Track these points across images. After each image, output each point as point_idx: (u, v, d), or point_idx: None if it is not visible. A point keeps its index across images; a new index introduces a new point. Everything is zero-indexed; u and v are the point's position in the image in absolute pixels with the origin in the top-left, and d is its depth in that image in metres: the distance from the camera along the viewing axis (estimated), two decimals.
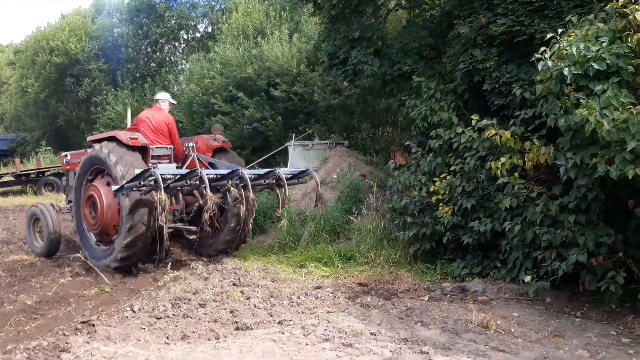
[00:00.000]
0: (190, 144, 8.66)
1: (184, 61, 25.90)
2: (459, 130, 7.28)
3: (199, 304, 6.08)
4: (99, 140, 8.24)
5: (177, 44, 26.76)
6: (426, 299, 6.47)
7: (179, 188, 7.50)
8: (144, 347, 4.72)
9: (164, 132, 8.64)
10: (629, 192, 5.49)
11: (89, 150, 8.42)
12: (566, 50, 5.59)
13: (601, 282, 5.60)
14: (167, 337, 5.11)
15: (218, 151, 8.86)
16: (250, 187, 7.32)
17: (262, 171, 8.11)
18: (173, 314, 5.84)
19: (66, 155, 9.93)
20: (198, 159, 8.64)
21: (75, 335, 5.07)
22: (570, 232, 5.82)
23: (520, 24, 7.31)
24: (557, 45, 5.78)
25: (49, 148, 24.98)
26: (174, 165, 8.70)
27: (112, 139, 8.01)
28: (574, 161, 5.46)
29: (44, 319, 5.83)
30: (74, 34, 26.09)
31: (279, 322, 5.53)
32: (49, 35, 26.70)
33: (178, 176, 7.44)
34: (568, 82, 5.47)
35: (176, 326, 5.45)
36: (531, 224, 6.34)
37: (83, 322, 5.46)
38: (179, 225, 8.35)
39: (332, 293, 6.63)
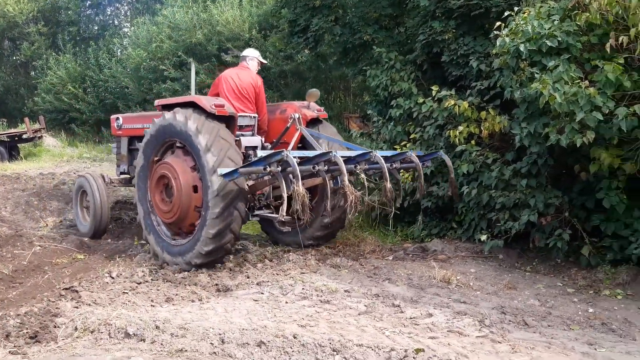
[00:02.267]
0: (297, 115, 6.99)
1: (128, 24, 25.12)
2: (420, 100, 7.68)
3: (179, 270, 6.30)
4: (171, 107, 6.76)
5: (119, 6, 25.88)
6: (391, 258, 6.95)
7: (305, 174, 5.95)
8: (134, 309, 4.93)
9: (250, 97, 7.16)
10: (575, 158, 6.06)
11: (156, 119, 6.78)
12: (521, 27, 6.03)
13: (549, 239, 6.20)
14: (152, 300, 5.32)
15: (312, 123, 7.32)
16: (387, 173, 6.05)
17: (389, 153, 6.76)
18: (152, 279, 6.05)
19: (118, 119, 8.45)
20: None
21: (61, 301, 5.21)
22: (522, 194, 6.38)
23: None
24: (513, 22, 6.20)
25: None
26: (259, 138, 7.25)
27: (190, 104, 6.52)
28: (528, 130, 5.97)
29: (23, 287, 5.92)
30: None
31: (257, 284, 5.83)
32: None
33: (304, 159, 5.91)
34: (523, 57, 5.92)
35: (158, 290, 5.67)
36: (486, 187, 6.88)
37: (66, 289, 5.59)
38: (266, 212, 7.01)
39: (302, 256, 6.97)
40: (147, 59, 18.59)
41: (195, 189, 6.39)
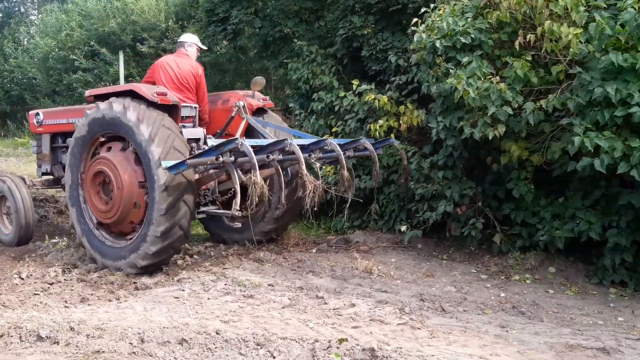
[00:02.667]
0: (241, 103, 6.65)
1: (35, 12, 23.69)
2: (341, 94, 7.77)
3: (94, 268, 6.04)
4: (105, 97, 6.26)
5: None
6: (314, 251, 6.99)
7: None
8: (46, 311, 4.69)
9: (191, 87, 6.69)
10: (487, 150, 6.35)
11: (89, 111, 6.25)
12: (437, 23, 6.23)
13: (464, 228, 6.47)
14: (66, 301, 5.09)
15: (257, 112, 7.02)
16: (344, 161, 5.93)
17: (342, 141, 6.50)
18: (65, 279, 5.78)
19: (37, 114, 7.75)
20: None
21: None
22: (440, 186, 6.61)
23: None
24: (429, 18, 6.39)
25: None
26: (201, 130, 6.78)
27: (127, 94, 6.04)
28: (444, 124, 6.18)
29: None
30: None
31: (178, 281, 5.70)
32: None
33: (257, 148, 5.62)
34: (439, 53, 6.13)
35: (72, 290, 5.42)
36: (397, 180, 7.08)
37: None
38: (212, 209, 6.57)
39: (224, 251, 6.89)
40: (56, 48, 17.69)
41: (138, 185, 5.93)
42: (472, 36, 5.97)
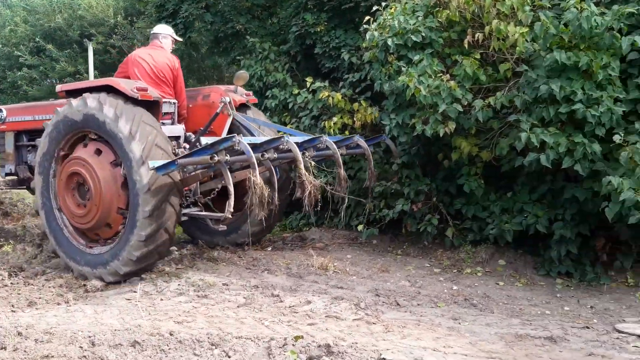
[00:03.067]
0: (227, 99, 6.30)
1: None
2: (295, 91, 7.77)
3: (41, 271, 5.85)
4: (80, 92, 5.84)
5: None
6: (270, 249, 6.97)
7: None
8: None
9: (168, 81, 6.36)
10: (438, 147, 6.46)
11: (60, 108, 5.84)
12: (389, 22, 6.29)
13: (420, 224, 6.56)
14: (12, 305, 4.93)
15: (240, 108, 6.65)
16: (340, 159, 5.85)
17: (335, 138, 6.33)
18: (12, 283, 5.62)
19: (0, 111, 7.24)
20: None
21: None
22: (397, 184, 6.69)
23: None
24: (381, 16, 6.45)
25: None
26: (181, 127, 6.51)
27: (105, 89, 5.66)
28: (396, 121, 6.25)
29: None
30: None
31: (130, 282, 5.58)
32: None
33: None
34: (391, 51, 6.19)
35: (19, 294, 5.28)
36: (362, 179, 7.12)
37: None
38: (194, 211, 6.20)
39: (177, 251, 6.78)
40: (0, 44, 17.01)
41: (119, 186, 5.60)
42: (423, 34, 6.06)
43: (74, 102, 5.69)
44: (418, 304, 5.06)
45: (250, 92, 7.02)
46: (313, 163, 5.73)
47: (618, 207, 4.60)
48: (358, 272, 6.09)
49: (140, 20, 14.69)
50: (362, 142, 6.33)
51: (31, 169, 6.87)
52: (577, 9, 4.89)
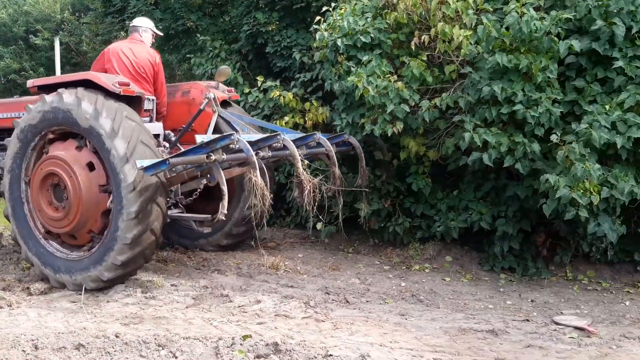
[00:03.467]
0: (211, 96, 6.06)
1: None
2: (246, 90, 7.74)
3: None
4: (53, 87, 5.50)
5: None
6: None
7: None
8: None
9: (148, 77, 6.08)
10: (389, 146, 6.57)
11: (32, 105, 5.52)
12: (338, 22, 6.35)
13: (383, 222, 6.62)
14: None
15: (222, 105, 6.37)
16: (334, 157, 5.76)
17: (326, 135, 6.09)
18: None
19: None
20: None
21: None
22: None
23: None
24: (331, 17, 6.51)
25: None
26: (160, 124, 6.20)
27: (83, 83, 5.32)
28: (347, 120, 6.32)
29: None
30: None
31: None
32: None
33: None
34: (341, 51, 6.26)
35: None
36: (317, 176, 7.15)
37: None
38: (175, 212, 5.96)
39: None
40: None
41: (100, 187, 5.26)
42: (372, 35, 6.15)
43: (49, 98, 5.31)
44: (367, 301, 5.14)
45: (232, 89, 6.80)
46: (306, 161, 5.59)
47: (555, 203, 4.79)
48: (309, 270, 6.13)
49: (87, 17, 14.37)
50: (353, 140, 6.18)
51: None
52: (518, 13, 5.07)
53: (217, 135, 4.92)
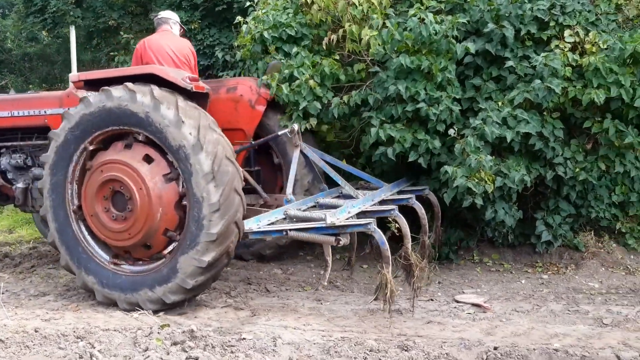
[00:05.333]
0: (295, 127, 5.51)
1: None
2: None
3: None
4: (107, 82, 4.72)
5: None
6: None
7: None
8: None
9: (190, 66, 5.79)
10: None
11: (86, 100, 4.64)
12: (263, 17, 6.49)
13: None
14: None
15: (269, 105, 5.89)
16: (426, 227, 5.43)
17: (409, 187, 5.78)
18: None
19: None
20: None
21: None
22: None
23: None
24: (255, 12, 6.64)
25: None
26: None
27: (148, 77, 4.67)
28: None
29: None
30: None
31: None
32: None
33: None
34: (268, 44, 6.33)
35: None
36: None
37: None
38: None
39: (49, 251, 6.69)
40: None
41: (175, 204, 4.63)
42: (296, 29, 6.26)
43: (117, 92, 4.54)
44: (286, 289, 5.42)
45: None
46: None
47: (453, 192, 5.23)
48: (234, 262, 6.33)
49: (10, 17, 13.94)
50: (419, 206, 5.48)
51: (4, 177, 6.02)
52: (418, 18, 5.45)
53: (354, 222, 4.50)
